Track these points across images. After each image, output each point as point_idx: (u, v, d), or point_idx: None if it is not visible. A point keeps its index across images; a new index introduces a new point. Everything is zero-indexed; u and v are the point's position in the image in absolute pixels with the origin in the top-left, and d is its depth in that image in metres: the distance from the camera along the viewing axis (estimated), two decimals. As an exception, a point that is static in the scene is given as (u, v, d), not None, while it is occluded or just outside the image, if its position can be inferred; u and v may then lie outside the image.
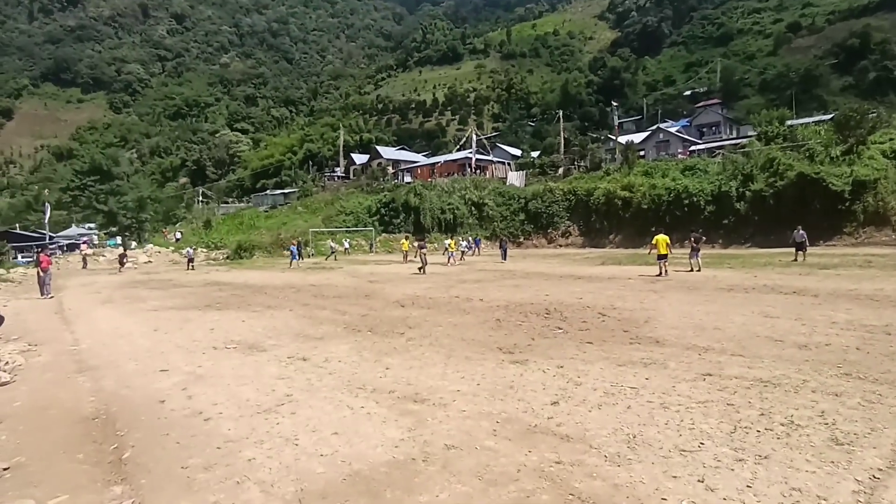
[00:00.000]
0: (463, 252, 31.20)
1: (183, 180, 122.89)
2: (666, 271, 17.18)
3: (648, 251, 19.30)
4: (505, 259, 28.75)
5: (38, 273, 17.92)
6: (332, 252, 36.87)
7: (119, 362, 7.60)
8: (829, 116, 44.13)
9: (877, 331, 7.81)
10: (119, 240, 51.25)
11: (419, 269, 22.19)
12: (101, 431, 4.83)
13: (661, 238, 17.53)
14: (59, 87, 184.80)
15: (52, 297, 17.17)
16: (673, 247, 36.33)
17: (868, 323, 8.41)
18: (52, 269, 19.19)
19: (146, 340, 9.23)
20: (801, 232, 21.36)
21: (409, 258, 30.03)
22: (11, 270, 30.29)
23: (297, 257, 30.47)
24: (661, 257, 17.35)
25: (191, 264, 31.09)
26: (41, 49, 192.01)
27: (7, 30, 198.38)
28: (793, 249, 21.63)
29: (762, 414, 4.56)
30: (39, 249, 21.98)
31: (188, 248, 33.41)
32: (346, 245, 40.88)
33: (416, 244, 26.51)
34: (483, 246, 39.65)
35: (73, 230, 64.55)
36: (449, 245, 28.84)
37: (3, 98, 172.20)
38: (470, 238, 38.54)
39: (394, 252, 41.51)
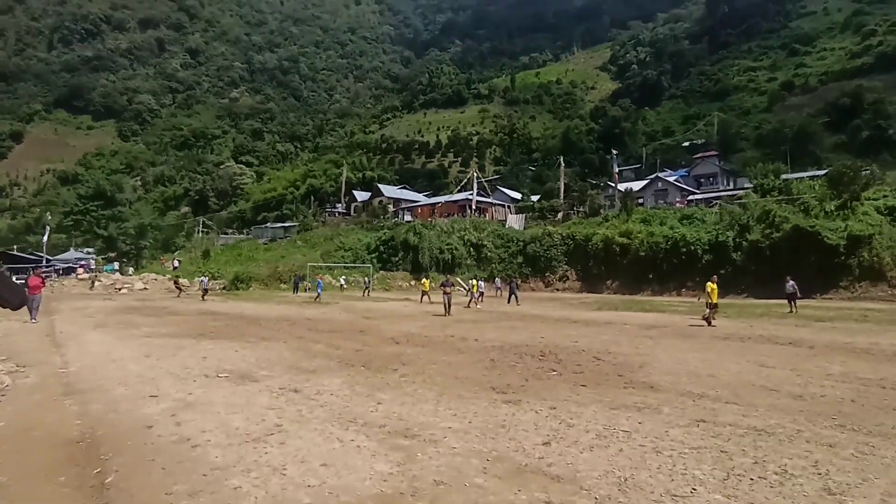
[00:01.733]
0: (482, 293, 29.34)
1: (184, 209, 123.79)
2: (710, 321, 16.20)
3: (697, 298, 17.84)
4: (515, 302, 26.70)
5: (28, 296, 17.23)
6: (367, 286, 36.84)
7: (108, 387, 7.51)
8: (823, 172, 45.03)
9: (871, 384, 7.79)
10: (117, 265, 51.21)
11: (445, 312, 20.19)
12: (85, 455, 4.75)
13: (713, 286, 16.63)
14: (71, 113, 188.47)
15: (35, 321, 16.20)
16: (669, 293, 36.36)
17: (863, 376, 8.39)
18: (43, 291, 18.40)
19: (137, 366, 9.14)
20: (791, 283, 21.49)
21: (429, 298, 27.48)
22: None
23: (321, 290, 30.28)
24: (712, 306, 16.34)
25: (205, 294, 30.60)
26: (57, 77, 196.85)
27: (26, 57, 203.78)
28: (786, 301, 21.72)
29: (756, 462, 4.52)
30: (34, 269, 20.56)
31: (203, 278, 32.94)
32: (343, 282, 40.62)
33: (441, 284, 23.30)
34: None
35: (71, 254, 64.49)
36: (472, 285, 27.35)
37: (15, 122, 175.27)
38: (458, 280, 38.90)
39: (391, 290, 41.44)
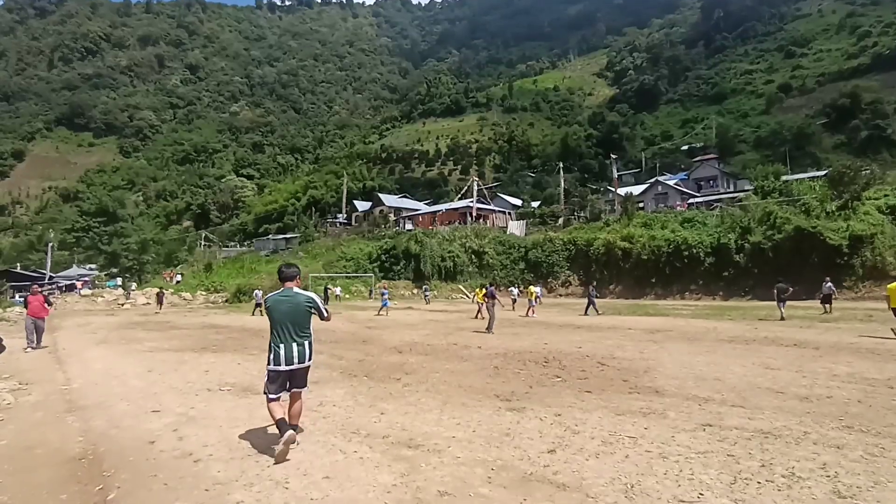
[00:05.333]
0: (538, 298, 25.98)
1: (186, 223, 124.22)
2: None
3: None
4: (594, 311, 23.03)
5: (28, 318, 14.27)
6: (426, 296, 37.22)
7: (110, 402, 7.48)
8: (823, 173, 45.04)
9: (878, 384, 7.73)
10: (119, 280, 51.21)
11: (488, 327, 16.35)
12: (87, 472, 4.71)
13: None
14: (73, 131, 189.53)
15: (38, 347, 13.99)
16: (673, 297, 36.07)
17: (870, 376, 8.32)
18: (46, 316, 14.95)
19: (139, 381, 9.11)
20: (829, 284, 21.49)
21: (481, 313, 21.18)
22: (8, 310, 30.20)
23: (387, 304, 26.10)
24: None
25: (258, 309, 25.57)
26: (58, 95, 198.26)
27: (26, 77, 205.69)
28: (820, 303, 21.67)
29: (763, 465, 4.47)
30: (39, 288, 14.88)
31: (257, 291, 30.37)
32: (339, 292, 40.45)
33: (484, 295, 18.38)
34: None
35: (74, 270, 64.66)
36: (529, 292, 24.87)
37: (17, 141, 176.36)
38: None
39: (393, 299, 41.29)
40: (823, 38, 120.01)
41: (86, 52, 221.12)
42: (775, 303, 19.23)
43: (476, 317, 21.79)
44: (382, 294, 27.55)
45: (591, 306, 23.38)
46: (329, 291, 37.73)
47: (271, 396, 4.96)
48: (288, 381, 5.03)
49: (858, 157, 57.10)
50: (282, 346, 4.93)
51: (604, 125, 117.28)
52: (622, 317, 22.25)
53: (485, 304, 17.92)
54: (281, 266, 5.37)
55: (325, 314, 5.27)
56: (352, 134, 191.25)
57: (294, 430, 5.01)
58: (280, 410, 4.99)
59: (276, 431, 4.97)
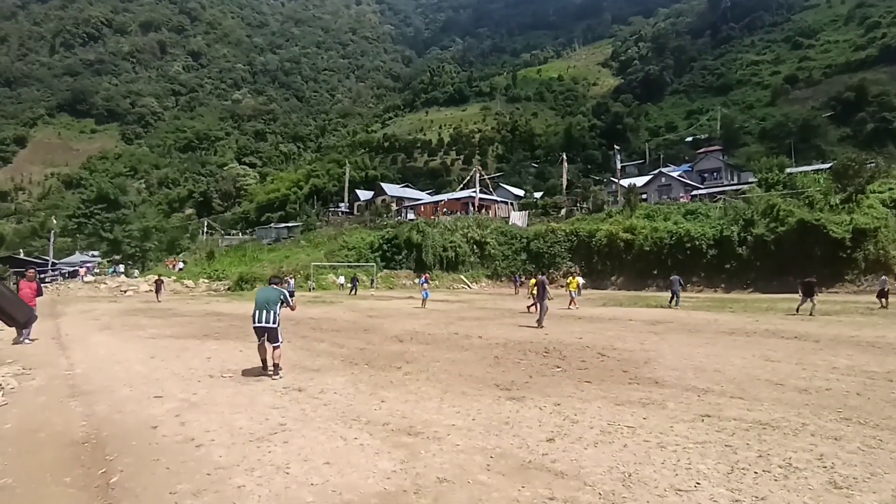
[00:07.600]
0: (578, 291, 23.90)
1: (189, 211, 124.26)
2: None
3: None
4: (676, 304, 21.88)
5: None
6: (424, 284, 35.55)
7: (113, 388, 7.55)
8: (828, 166, 44.76)
9: (878, 377, 7.75)
10: (122, 268, 51.37)
11: (537, 322, 15.14)
12: (91, 455, 4.77)
13: None
14: (75, 117, 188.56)
15: (25, 341, 12.04)
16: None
17: (869, 369, 8.35)
18: (38, 302, 13.32)
19: (142, 367, 9.18)
20: (884, 278, 21.46)
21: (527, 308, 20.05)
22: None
23: (427, 294, 23.98)
24: None
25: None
26: (59, 81, 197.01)
27: (28, 62, 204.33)
28: (877, 298, 20.94)
29: (760, 456, 4.49)
30: (26, 272, 14.34)
31: (373, 277, 28.32)
32: (342, 280, 40.33)
33: (535, 284, 16.62)
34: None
35: (77, 257, 64.82)
36: (569, 283, 23.57)
37: (19, 127, 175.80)
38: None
39: (395, 288, 41.38)
40: (831, 30, 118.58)
41: (87, 37, 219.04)
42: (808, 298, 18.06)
43: (529, 309, 19.86)
44: (422, 282, 25.39)
45: (675, 298, 22.28)
46: (357, 280, 37.13)
47: (257, 341, 8.23)
48: (264, 334, 8.04)
49: (864, 150, 56.53)
50: (257, 312, 8.05)
51: (608, 116, 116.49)
52: (623, 308, 22.28)
53: (533, 295, 16.40)
54: (270, 276, 9.09)
55: (291, 303, 8.54)
56: (354, 122, 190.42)
57: (276, 368, 8.11)
58: (262, 353, 8.28)
59: (278, 422, 4.98)
